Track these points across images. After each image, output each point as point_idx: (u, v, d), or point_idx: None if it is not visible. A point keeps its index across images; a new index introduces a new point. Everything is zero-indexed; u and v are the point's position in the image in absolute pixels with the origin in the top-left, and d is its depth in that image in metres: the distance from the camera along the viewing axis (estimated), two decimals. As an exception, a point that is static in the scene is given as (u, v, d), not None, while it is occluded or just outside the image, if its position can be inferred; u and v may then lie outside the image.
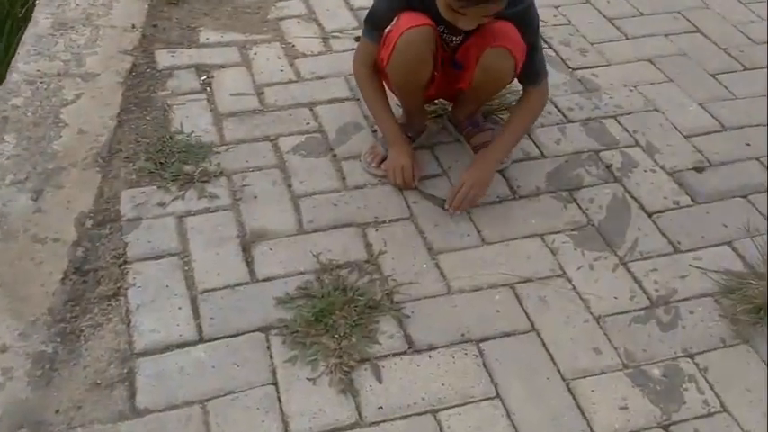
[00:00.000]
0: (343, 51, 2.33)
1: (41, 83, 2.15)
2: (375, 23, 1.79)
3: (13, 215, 1.75)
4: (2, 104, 2.06)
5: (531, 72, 1.81)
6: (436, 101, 2.08)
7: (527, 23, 1.73)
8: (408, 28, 1.68)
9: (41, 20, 2.41)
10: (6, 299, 1.58)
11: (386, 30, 1.74)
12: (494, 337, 1.56)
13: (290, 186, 1.88)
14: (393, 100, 1.96)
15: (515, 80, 1.85)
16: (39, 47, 2.28)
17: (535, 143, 2.05)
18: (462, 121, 2.00)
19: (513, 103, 2.00)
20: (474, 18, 1.62)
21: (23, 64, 2.21)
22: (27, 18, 2.49)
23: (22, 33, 2.39)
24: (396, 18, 1.72)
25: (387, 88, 1.92)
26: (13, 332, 1.52)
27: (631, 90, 2.26)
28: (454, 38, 1.77)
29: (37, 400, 1.42)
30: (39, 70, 2.19)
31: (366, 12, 1.85)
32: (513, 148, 1.94)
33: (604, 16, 2.58)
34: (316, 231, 1.77)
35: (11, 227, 1.73)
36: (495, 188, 1.91)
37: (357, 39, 2.30)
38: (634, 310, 1.64)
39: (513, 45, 1.70)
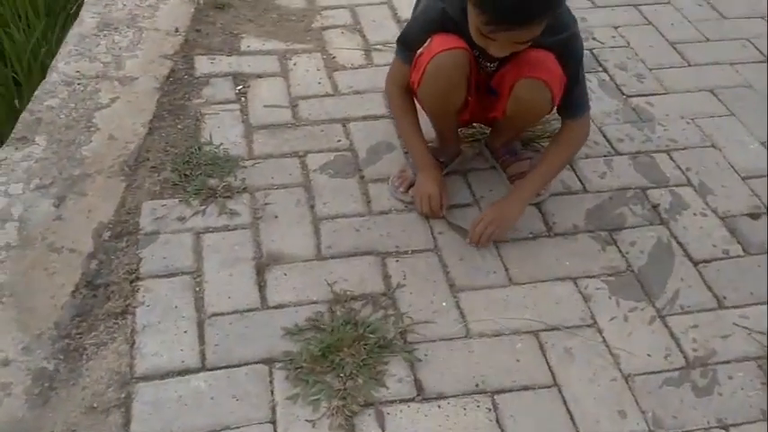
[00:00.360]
0: (384, 65, 2.22)
1: (79, 84, 2.14)
2: (407, 44, 1.70)
3: (34, 221, 1.73)
4: (38, 105, 2.06)
5: (571, 105, 1.69)
6: (474, 124, 1.98)
7: (568, 53, 1.61)
8: (440, 51, 1.59)
9: (87, 19, 2.40)
10: (15, 309, 1.56)
11: (418, 51, 1.65)
12: (510, 390, 1.46)
13: (312, 207, 1.81)
14: (426, 122, 1.87)
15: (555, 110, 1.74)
16: (81, 47, 2.28)
17: (578, 176, 1.93)
18: (499, 148, 1.90)
19: (557, 131, 1.88)
20: (505, 45, 1.52)
21: (64, 64, 2.21)
22: (77, 15, 2.50)
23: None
24: (428, 40, 1.62)
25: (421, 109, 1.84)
26: (17, 345, 1.49)
27: (688, 123, 2.10)
28: (489, 64, 1.67)
29: (32, 420, 1.38)
30: (78, 71, 2.18)
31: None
32: (548, 184, 1.82)
33: (666, 40, 2.42)
34: (333, 258, 1.69)
35: (30, 233, 1.71)
36: (529, 223, 1.80)
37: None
38: (667, 371, 1.50)
39: (549, 76, 1.58)
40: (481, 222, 1.70)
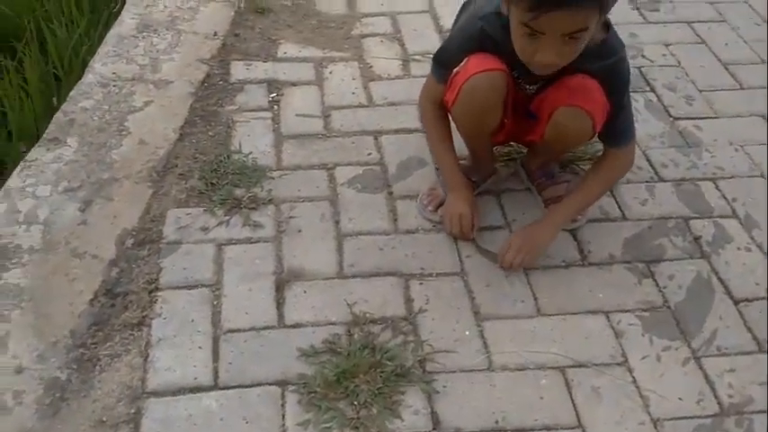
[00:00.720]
0: (422, 76, 2.13)
1: (114, 86, 2.13)
2: (443, 62, 1.64)
3: (59, 225, 1.73)
4: (72, 106, 2.06)
5: (614, 133, 1.61)
6: (511, 143, 1.91)
7: (614, 80, 1.53)
8: (476, 72, 1.53)
9: (127, 20, 2.40)
10: (33, 314, 1.55)
11: (454, 70, 1.59)
12: (532, 429, 1.39)
13: (337, 223, 1.77)
14: (460, 139, 1.81)
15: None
16: (119, 48, 2.28)
17: (617, 202, 1.84)
18: (535, 170, 1.82)
19: (600, 153, 1.80)
20: (554, 39, 1.40)
21: (101, 65, 2.20)
22: (119, 14, 2.50)
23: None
24: (465, 59, 1.56)
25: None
26: (32, 353, 1.48)
27: (737, 149, 2.00)
28: (529, 86, 1.60)
29: (41, 431, 1.37)
30: (114, 73, 2.18)
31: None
32: (585, 211, 1.75)
33: (719, 60, 2.31)
34: (355, 277, 1.65)
35: (54, 237, 1.70)
36: (563, 250, 1.72)
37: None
38: (699, 417, 1.42)
39: (591, 105, 1.51)
40: (510, 249, 1.63)
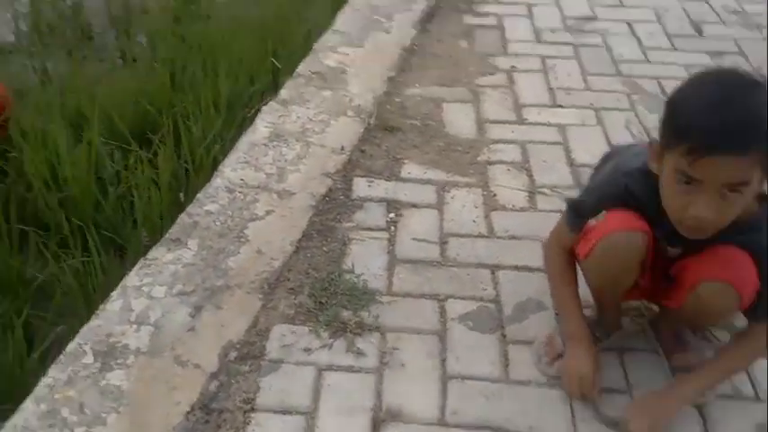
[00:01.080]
0: (549, 211, 2.11)
1: (240, 192, 2.18)
2: (579, 212, 1.57)
3: (167, 328, 1.73)
4: (197, 208, 2.11)
5: (761, 310, 1.46)
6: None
7: (767, 256, 1.40)
8: (615, 229, 1.44)
9: (260, 127, 2.48)
10: (128, 421, 1.53)
11: (591, 222, 1.51)
12: None
13: (443, 361, 1.68)
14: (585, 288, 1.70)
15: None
16: (249, 155, 2.34)
17: (750, 379, 1.66)
18: (665, 332, 1.68)
19: (737, 323, 1.64)
20: (712, 191, 1.29)
21: (230, 170, 2.27)
22: (253, 118, 2.59)
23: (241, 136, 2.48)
24: (604, 212, 1.48)
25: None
26: (120, 462, 1.46)
27: None
28: (671, 248, 1.49)
29: None
30: (242, 179, 2.23)
31: (587, 169, 1.65)
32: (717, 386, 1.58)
33: None
34: (457, 426, 1.54)
35: (161, 341, 1.71)
36: (687, 427, 1.55)
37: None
38: None
39: (740, 280, 1.38)
40: (631, 419, 1.48)
